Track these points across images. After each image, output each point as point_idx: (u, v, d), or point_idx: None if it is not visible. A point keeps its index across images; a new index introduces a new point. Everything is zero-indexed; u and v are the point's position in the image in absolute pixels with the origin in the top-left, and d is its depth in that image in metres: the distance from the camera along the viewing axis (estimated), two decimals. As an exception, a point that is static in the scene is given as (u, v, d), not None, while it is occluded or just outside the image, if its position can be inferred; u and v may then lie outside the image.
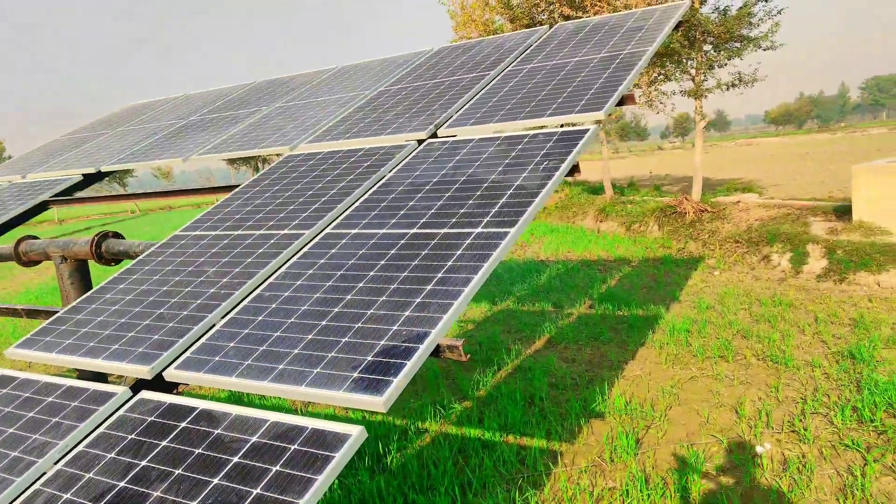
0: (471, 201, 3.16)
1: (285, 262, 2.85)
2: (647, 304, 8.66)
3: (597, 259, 12.42)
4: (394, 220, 2.99)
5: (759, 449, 4.48)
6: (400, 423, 5.44)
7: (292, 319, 2.40)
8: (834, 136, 68.51)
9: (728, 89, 13.25)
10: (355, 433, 1.76)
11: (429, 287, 2.43)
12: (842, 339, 6.67)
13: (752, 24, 12.78)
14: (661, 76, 13.85)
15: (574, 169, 3.41)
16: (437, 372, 6.65)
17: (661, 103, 13.71)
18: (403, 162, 3.62)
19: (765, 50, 12.92)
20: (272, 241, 3.02)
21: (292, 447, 1.79)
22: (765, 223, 11.39)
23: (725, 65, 13.14)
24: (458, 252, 2.65)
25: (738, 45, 12.83)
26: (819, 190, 17.23)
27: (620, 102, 4.00)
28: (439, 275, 2.49)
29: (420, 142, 3.82)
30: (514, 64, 4.95)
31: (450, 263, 2.57)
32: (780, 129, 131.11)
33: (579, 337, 7.53)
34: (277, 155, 4.35)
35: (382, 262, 2.65)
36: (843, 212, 10.54)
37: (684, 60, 13.22)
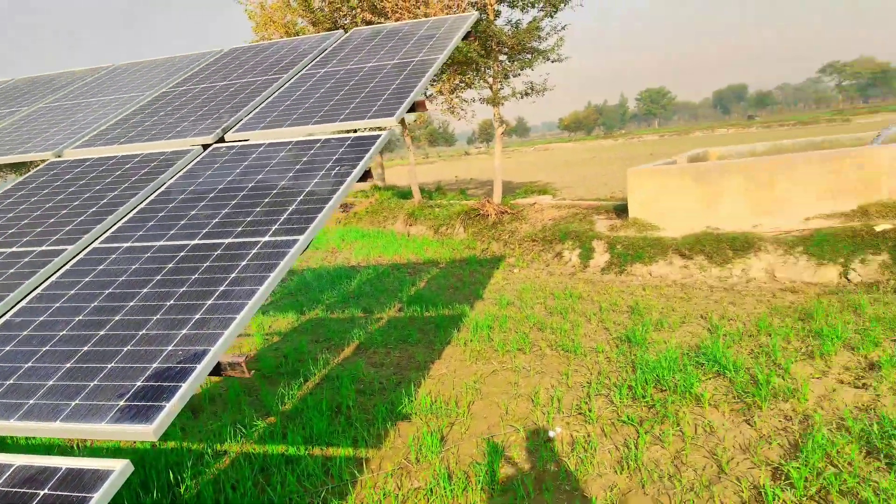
0: (258, 209, 3.05)
1: (42, 283, 2.55)
2: (454, 304, 8.98)
3: (407, 262, 12.66)
4: (173, 232, 2.80)
5: (550, 433, 4.82)
6: (196, 448, 5.13)
7: (48, 347, 2.15)
8: (616, 142, 76.05)
9: (522, 97, 14.17)
10: (118, 468, 1.61)
11: (209, 302, 2.30)
12: (621, 325, 7.39)
13: (540, 38, 13.79)
14: (462, 84, 14.46)
15: (366, 174, 3.42)
16: (239, 389, 6.36)
17: (462, 110, 14.33)
18: (186, 168, 3.40)
19: (553, 62, 14.00)
20: (26, 261, 2.69)
21: (41, 492, 1.59)
22: (557, 222, 12.31)
23: (519, 74, 14.04)
24: (244, 263, 2.54)
25: (529, 56, 13.77)
26: (603, 191, 18.99)
27: (412, 109, 4.08)
28: (221, 288, 2.37)
29: (206, 147, 3.62)
30: (308, 67, 4.87)
31: (233, 276, 2.45)
32: (572, 136, 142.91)
33: (388, 340, 7.62)
34: (43, 161, 3.90)
35: (158, 278, 2.46)
36: (621, 210, 11.70)
37: (483, 69, 13.92)
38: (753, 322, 6.87)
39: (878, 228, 8.22)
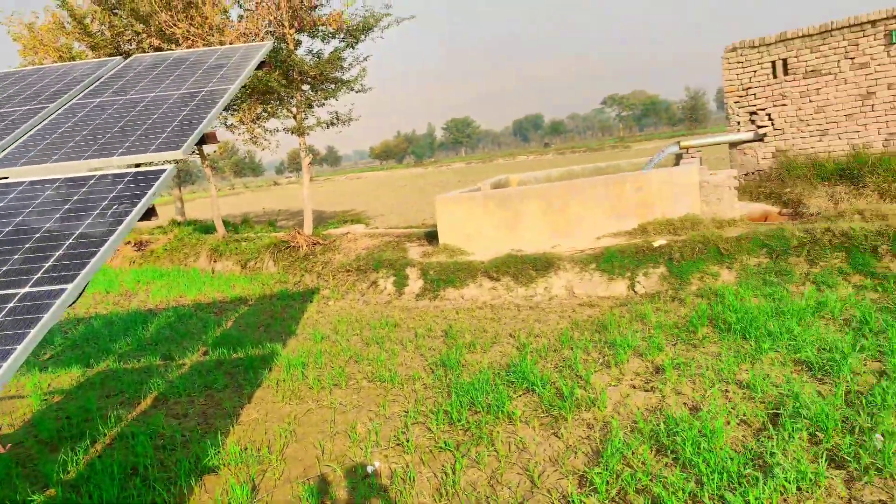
0: (17, 256, 2.66)
1: None
2: (265, 343, 8.58)
3: (212, 301, 11.93)
4: None
5: (369, 469, 4.71)
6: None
7: None
8: (426, 170, 78.50)
9: (327, 127, 14.09)
10: None
11: (-55, 371, 1.93)
12: (436, 350, 7.49)
13: (343, 68, 13.84)
14: (265, 114, 14.07)
15: (150, 212, 3.13)
16: (10, 461, 5.53)
17: (266, 140, 13.92)
18: (-81, 214, 2.89)
19: (357, 92, 14.11)
20: None
21: None
22: (371, 251, 12.31)
23: (323, 104, 13.97)
24: (-4, 320, 2.19)
25: (332, 86, 13.75)
26: (416, 217, 19.41)
27: (202, 141, 3.83)
28: (-38, 353, 2.01)
29: (-52, 187, 3.12)
30: (81, 96, 4.41)
31: (-20, 336, 2.09)
32: (384, 164, 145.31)
33: (192, 388, 7.06)
34: None
35: None
36: (433, 237, 11.98)
37: (285, 99, 13.65)
38: (557, 337, 7.29)
39: (656, 244, 9.17)
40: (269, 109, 13.72)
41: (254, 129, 13.50)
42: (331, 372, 7.07)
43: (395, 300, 10.45)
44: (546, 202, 10.43)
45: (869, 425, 4.24)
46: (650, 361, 6.14)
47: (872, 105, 10.74)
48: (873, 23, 10.55)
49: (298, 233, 13.76)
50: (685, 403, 5.14)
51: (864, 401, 4.61)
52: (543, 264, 9.63)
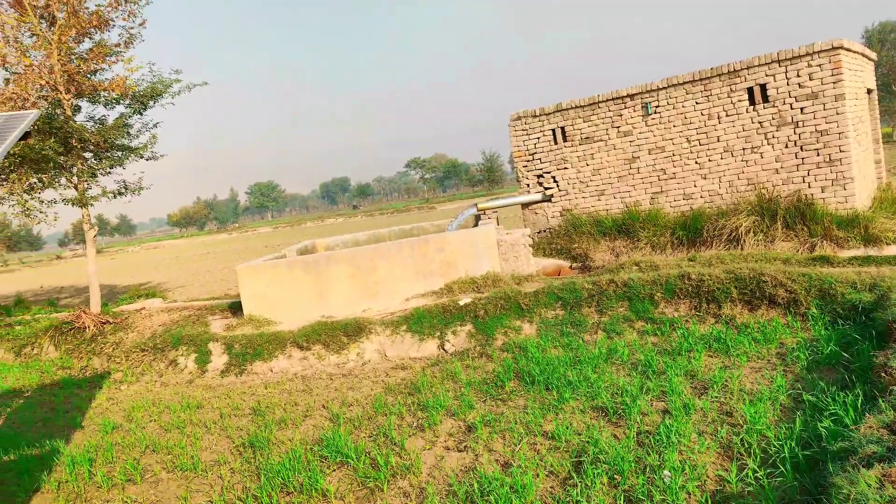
0: None
1: None
2: (43, 440, 7.51)
3: (-25, 397, 10.26)
4: None
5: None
6: None
7: None
8: (231, 236, 75.44)
9: (115, 197, 13.01)
10: None
11: None
12: (244, 429, 7.01)
13: (130, 135, 12.95)
14: (40, 184, 12.67)
15: None
16: None
17: (42, 213, 12.50)
18: None
19: (147, 160, 13.24)
20: None
21: None
22: (169, 328, 11.40)
23: (110, 173, 12.90)
24: None
25: (119, 154, 12.79)
26: (220, 288, 18.41)
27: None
28: None
29: None
30: None
31: None
32: (184, 231, 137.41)
33: (-56, 507, 5.94)
34: None
35: None
36: (237, 307, 11.38)
37: (64, 168, 12.43)
38: (371, 404, 7.16)
39: (462, 302, 9.47)
40: (44, 179, 12.37)
41: (26, 202, 12.05)
42: (123, 466, 6.32)
43: (197, 379, 9.71)
44: (354, 266, 10.41)
45: (657, 463, 4.59)
46: (462, 420, 6.22)
47: (638, 168, 12.16)
48: (632, 96, 12.06)
49: (84, 312, 12.40)
50: (497, 460, 5.24)
51: (652, 440, 5.00)
52: (355, 329, 9.51)
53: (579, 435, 5.36)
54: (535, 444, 5.39)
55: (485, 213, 13.09)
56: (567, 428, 5.52)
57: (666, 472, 4.41)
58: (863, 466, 3.57)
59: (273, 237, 54.79)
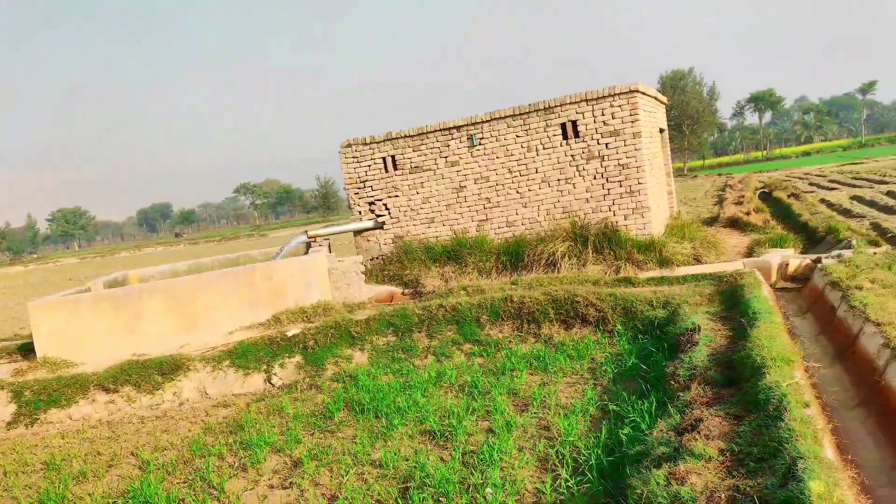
0: None
1: None
2: None
3: None
4: None
5: None
6: None
7: None
8: (27, 269, 67.68)
9: None
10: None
11: None
12: (34, 487, 6.23)
13: None
14: None
15: None
16: None
17: None
18: None
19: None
20: None
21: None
22: (-54, 374, 9.90)
23: None
24: None
25: None
26: (9, 328, 16.38)
27: None
28: None
29: None
30: None
31: None
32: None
33: None
34: None
35: None
36: (29, 349, 10.16)
37: None
38: (188, 447, 6.67)
39: (290, 333, 9.18)
40: None
41: None
42: None
43: (-20, 433, 8.49)
44: (171, 298, 9.74)
45: (480, 481, 4.70)
46: (288, 456, 5.98)
47: (465, 197, 12.62)
48: (458, 128, 12.53)
49: None
50: (323, 494, 5.09)
51: (476, 459, 5.13)
52: (171, 367, 8.85)
53: (407, 461, 5.37)
54: (363, 474, 5.31)
55: (315, 241, 12.87)
56: (395, 454, 5.50)
57: (488, 489, 4.53)
58: (654, 467, 3.91)
59: (79, 269, 49.98)
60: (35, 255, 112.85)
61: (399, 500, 4.71)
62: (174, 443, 6.94)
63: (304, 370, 8.71)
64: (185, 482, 5.75)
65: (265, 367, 8.83)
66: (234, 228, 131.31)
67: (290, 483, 5.39)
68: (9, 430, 8.35)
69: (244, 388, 8.64)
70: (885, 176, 26.73)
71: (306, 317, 9.86)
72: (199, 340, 9.67)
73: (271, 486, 5.42)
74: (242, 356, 8.93)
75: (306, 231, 13.27)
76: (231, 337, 9.63)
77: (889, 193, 19.48)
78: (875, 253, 9.12)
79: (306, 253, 12.20)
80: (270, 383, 8.67)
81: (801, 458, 3.49)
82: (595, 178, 11.57)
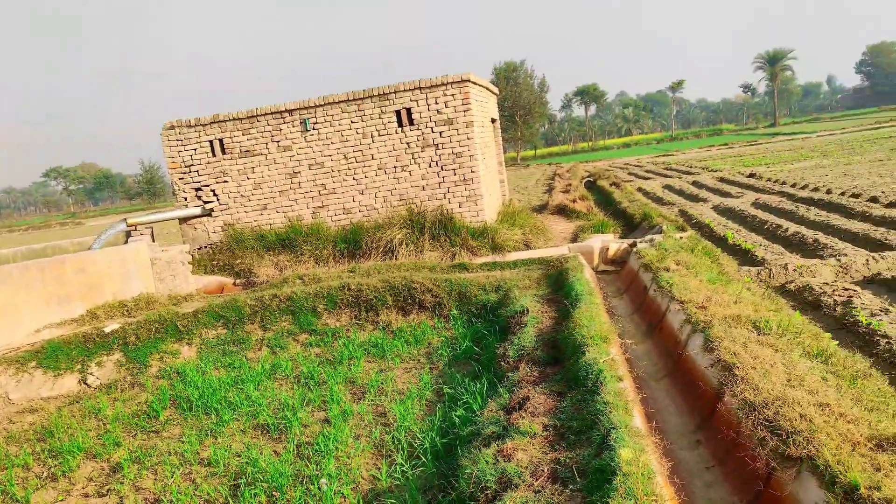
0: None
1: None
2: None
3: None
4: None
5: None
6: None
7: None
8: None
9: None
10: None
11: None
12: None
13: None
14: None
15: None
16: None
17: None
18: None
19: None
20: None
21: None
22: None
23: None
24: None
25: None
26: None
27: None
28: None
29: None
30: None
31: None
32: None
33: None
34: None
35: None
36: None
37: None
38: (-14, 459, 5.99)
39: (108, 329, 8.49)
40: None
41: None
42: None
43: None
44: (-36, 295, 8.62)
45: (315, 472, 4.66)
46: (106, 461, 5.56)
47: (300, 183, 12.32)
48: (290, 111, 12.18)
49: None
50: (146, 499, 4.79)
51: (311, 451, 5.07)
52: (-34, 371, 7.87)
53: (238, 457, 5.19)
54: (191, 474, 5.06)
55: (136, 229, 11.96)
56: (226, 451, 5.30)
57: (323, 480, 4.50)
58: (483, 446, 4.08)
59: None
60: None
61: (230, 499, 4.55)
62: (-32, 457, 6.19)
63: (125, 368, 8.12)
64: (-19, 499, 5.16)
65: (79, 366, 8.11)
66: (45, 216, 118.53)
67: (108, 490, 5.01)
68: None
69: (55, 391, 7.88)
70: (691, 167, 29.81)
71: (127, 311, 9.18)
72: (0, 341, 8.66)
73: (86, 496, 5.02)
74: (52, 356, 8.13)
75: (125, 219, 12.30)
76: (38, 336, 8.73)
77: (694, 183, 21.77)
78: (681, 237, 10.12)
79: (126, 242, 11.33)
80: (86, 384, 7.98)
81: (614, 428, 3.80)
82: (430, 165, 11.79)
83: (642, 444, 3.66)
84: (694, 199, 17.16)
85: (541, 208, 17.46)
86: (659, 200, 17.33)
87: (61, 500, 4.98)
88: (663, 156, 45.80)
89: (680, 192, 18.87)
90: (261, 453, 5.13)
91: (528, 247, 11.18)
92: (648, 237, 10.38)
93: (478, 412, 4.99)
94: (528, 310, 7.16)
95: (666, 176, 26.28)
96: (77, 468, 5.47)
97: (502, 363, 6.00)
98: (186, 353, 8.39)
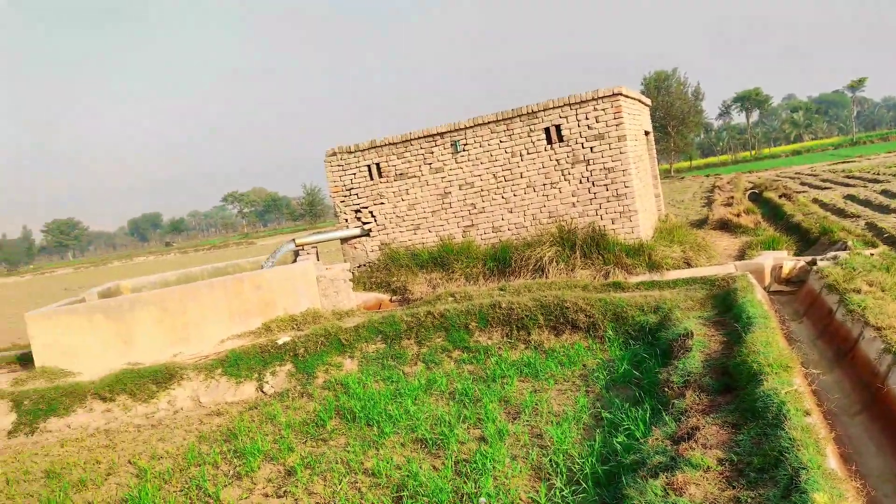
0: None
1: None
2: None
3: None
4: None
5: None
6: None
7: None
8: (23, 279, 67.27)
9: None
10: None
11: None
12: (35, 496, 6.25)
13: None
14: None
15: None
16: None
17: None
18: None
19: None
20: None
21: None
22: (-65, 388, 9.86)
23: None
24: None
25: None
26: (6, 338, 16.33)
27: None
28: None
29: None
30: None
31: None
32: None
33: None
34: None
35: None
36: (27, 359, 10.17)
37: None
38: (183, 455, 6.70)
39: (280, 341, 9.21)
40: None
41: None
42: None
43: (-26, 444, 8.48)
44: (162, 309, 9.75)
45: (474, 490, 4.76)
46: (282, 464, 6.03)
47: (451, 203, 12.69)
48: (441, 134, 12.60)
49: None
50: (317, 503, 5.13)
51: (469, 468, 5.18)
52: (165, 376, 8.87)
53: (399, 469, 5.42)
54: (357, 483, 5.36)
55: (303, 249, 12.89)
56: (388, 463, 5.55)
57: (482, 499, 4.59)
58: (650, 477, 3.96)
59: (74, 279, 49.68)
60: (31, 266, 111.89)
61: (393, 509, 4.76)
62: (170, 451, 6.97)
63: (295, 378, 8.75)
64: (181, 490, 5.78)
65: (257, 375, 8.86)
66: (223, 237, 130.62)
67: (285, 492, 5.43)
68: (10, 438, 8.36)
69: (237, 397, 8.66)
70: (878, 174, 26.72)
71: (296, 325, 9.90)
72: (191, 350, 9.68)
73: (266, 495, 5.46)
74: (234, 364, 8.95)
75: (294, 239, 13.29)
76: (222, 346, 9.65)
77: (884, 192, 19.57)
78: (872, 254, 9.13)
79: (294, 261, 12.23)
80: (262, 391, 8.70)
81: (804, 468, 3.46)
82: (581, 182, 11.68)
83: (840, 488, 3.30)
84: (884, 210, 15.52)
85: (700, 223, 16.66)
86: (840, 213, 15.83)
87: (245, 498, 5.46)
88: (842, 162, 41.71)
89: (866, 203, 17.09)
90: (420, 467, 5.32)
91: (688, 265, 10.71)
92: (831, 254, 9.52)
93: (640, 440, 4.86)
94: (692, 333, 6.86)
95: (847, 185, 23.94)
96: (258, 469, 5.97)
97: (665, 389, 5.79)
98: (349, 365, 8.88)
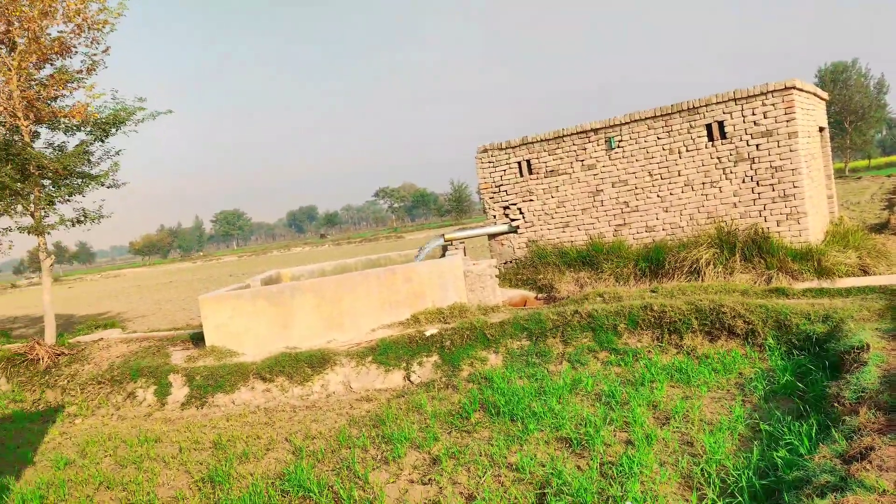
0: None
1: None
2: (-9, 478, 7.23)
3: (-80, 432, 9.85)
4: None
5: None
6: None
7: None
8: (195, 265, 74.28)
9: (73, 225, 12.76)
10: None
11: None
12: (204, 464, 6.86)
13: (91, 162, 12.75)
14: (-8, 211, 12.35)
15: None
16: None
17: (-7, 241, 12.20)
18: None
19: (108, 188, 13.04)
20: None
21: None
22: (128, 359, 11.14)
23: (68, 201, 12.66)
24: None
25: (79, 181, 12.56)
26: (182, 318, 18.08)
27: None
28: None
29: None
30: None
31: None
32: (146, 259, 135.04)
33: None
34: None
35: None
36: (199, 338, 11.19)
37: (21, 195, 12.16)
38: (335, 437, 7.07)
39: (428, 333, 9.46)
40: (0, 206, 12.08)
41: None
42: (76, 503, 6.12)
43: (156, 412, 9.48)
44: (319, 297, 10.34)
45: (620, 494, 4.62)
46: (427, 452, 6.18)
47: (602, 201, 12.39)
48: (595, 131, 12.33)
49: (38, 343, 12.05)
50: (461, 493, 5.21)
51: (615, 471, 5.04)
52: (319, 361, 9.42)
53: (543, 466, 5.37)
54: (500, 476, 5.38)
55: (452, 244, 13.16)
56: (531, 459, 5.52)
57: (628, 502, 4.44)
58: (816, 496, 3.64)
59: (238, 266, 54.12)
60: (201, 253, 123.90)
61: (536, 506, 4.73)
62: (322, 432, 7.38)
63: (440, 369, 8.94)
64: (332, 470, 6.10)
65: (405, 364, 9.15)
66: (374, 230, 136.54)
67: (430, 479, 5.56)
68: (183, 410, 9.28)
69: (385, 384, 9.00)
70: None
71: (443, 317, 10.11)
72: (344, 337, 10.19)
73: (412, 481, 5.63)
74: (384, 353, 9.31)
75: (443, 235, 13.59)
76: (373, 334, 10.07)
77: None
78: None
79: (443, 255, 12.50)
80: (409, 380, 8.97)
81: None
82: (744, 181, 10.96)
83: None
84: None
85: (879, 228, 15.07)
86: None
87: (392, 483, 5.66)
88: None
89: None
90: (564, 466, 5.25)
91: (865, 272, 9.74)
92: None
93: (804, 456, 4.48)
94: (868, 345, 6.23)
95: None
96: (404, 455, 6.17)
97: (835, 404, 5.30)
98: (493, 360, 8.94)
